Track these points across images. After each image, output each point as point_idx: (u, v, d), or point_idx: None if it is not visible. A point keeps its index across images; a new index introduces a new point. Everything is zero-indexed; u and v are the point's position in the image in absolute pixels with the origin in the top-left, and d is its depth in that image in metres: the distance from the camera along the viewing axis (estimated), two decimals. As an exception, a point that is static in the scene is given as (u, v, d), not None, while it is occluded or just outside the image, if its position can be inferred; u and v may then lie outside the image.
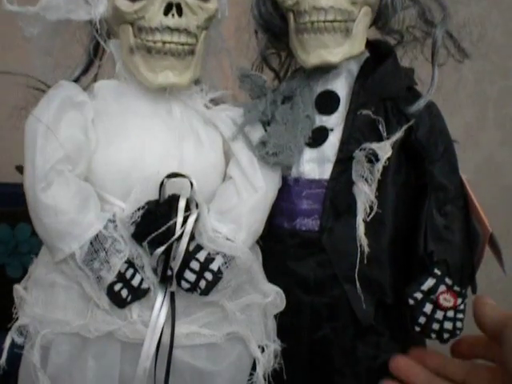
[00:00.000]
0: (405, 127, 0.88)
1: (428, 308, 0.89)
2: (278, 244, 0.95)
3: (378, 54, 0.98)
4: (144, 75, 0.88)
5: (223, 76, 1.01)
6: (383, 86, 0.93)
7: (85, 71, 0.95)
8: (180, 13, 0.87)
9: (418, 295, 0.88)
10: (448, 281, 0.89)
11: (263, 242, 0.94)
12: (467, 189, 0.93)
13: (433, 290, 0.88)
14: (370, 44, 0.98)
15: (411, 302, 0.89)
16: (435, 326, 0.89)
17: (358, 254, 0.87)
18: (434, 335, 0.90)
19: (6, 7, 0.90)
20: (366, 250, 0.86)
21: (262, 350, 0.89)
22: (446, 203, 0.91)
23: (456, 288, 0.89)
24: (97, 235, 0.83)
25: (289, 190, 0.94)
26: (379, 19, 0.96)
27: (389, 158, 0.88)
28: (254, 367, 0.89)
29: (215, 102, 0.97)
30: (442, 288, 0.89)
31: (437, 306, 0.89)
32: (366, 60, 0.97)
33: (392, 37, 0.98)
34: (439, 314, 0.89)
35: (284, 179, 0.94)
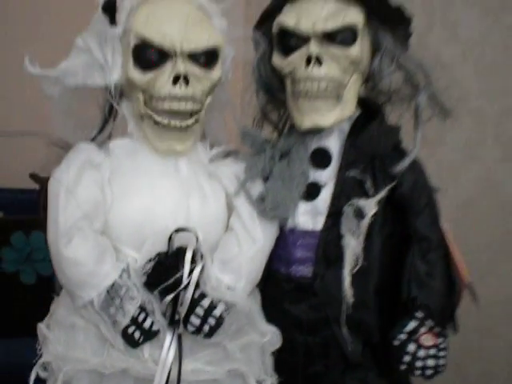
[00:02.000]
0: (388, 187, 0.99)
1: (411, 348, 1.00)
2: (275, 288, 1.06)
3: (369, 111, 1.08)
4: (151, 141, 1.00)
5: (227, 131, 1.11)
6: (371, 144, 1.04)
7: (101, 130, 1.06)
8: (187, 82, 0.97)
9: (402, 336, 1.00)
10: (429, 323, 0.99)
11: (263, 285, 1.05)
12: (448, 239, 1.03)
13: (415, 331, 0.99)
14: (361, 101, 1.08)
15: (396, 342, 1.00)
16: (418, 364, 1.00)
17: (344, 302, 0.97)
18: (418, 372, 1.00)
19: (28, 70, 1.01)
20: (351, 299, 0.97)
21: (260, 385, 1.00)
22: (428, 252, 1.02)
23: (436, 329, 1.00)
24: (113, 284, 0.95)
25: (285, 239, 1.05)
26: (368, 82, 1.06)
27: (375, 213, 0.98)
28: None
29: (220, 156, 1.08)
30: (424, 329, 0.99)
31: (419, 345, 0.99)
32: (357, 118, 1.08)
33: (381, 97, 1.08)
34: (422, 353, 1.00)
35: (281, 229, 1.05)
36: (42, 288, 2.42)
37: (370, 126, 1.05)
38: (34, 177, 2.71)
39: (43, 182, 2.82)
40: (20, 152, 2.62)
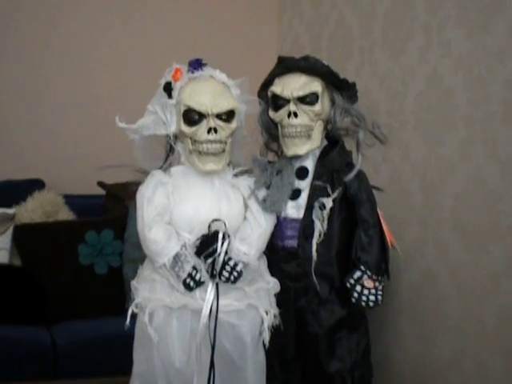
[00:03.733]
0: (338, 190, 1.60)
1: (358, 288, 1.60)
2: (275, 254, 1.67)
3: (332, 142, 1.68)
4: (197, 165, 1.61)
5: (244, 158, 1.72)
6: (332, 163, 1.64)
7: (165, 161, 1.67)
8: (216, 131, 1.59)
9: (352, 281, 1.60)
10: (369, 273, 1.60)
11: (267, 253, 1.66)
12: (382, 220, 1.63)
13: (360, 277, 1.60)
14: (327, 136, 1.69)
15: (348, 285, 1.60)
16: (364, 298, 1.60)
17: (313, 261, 1.58)
18: (364, 303, 1.60)
19: (118, 125, 1.63)
20: (315, 259, 1.57)
21: (267, 313, 1.61)
22: (368, 229, 1.62)
23: (374, 277, 1.60)
24: (177, 253, 1.57)
25: (280, 224, 1.66)
26: (329, 124, 1.67)
27: (334, 206, 1.60)
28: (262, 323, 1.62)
29: (239, 173, 1.69)
30: (365, 277, 1.60)
31: (363, 287, 1.59)
32: (325, 146, 1.68)
33: (338, 133, 1.68)
34: (365, 291, 1.60)
35: (278, 218, 1.65)
36: (113, 277, 2.84)
37: (331, 152, 1.65)
38: (101, 184, 3.22)
39: (108, 189, 3.32)
40: (89, 163, 3.16)
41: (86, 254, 2.85)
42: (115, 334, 2.55)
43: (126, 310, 1.69)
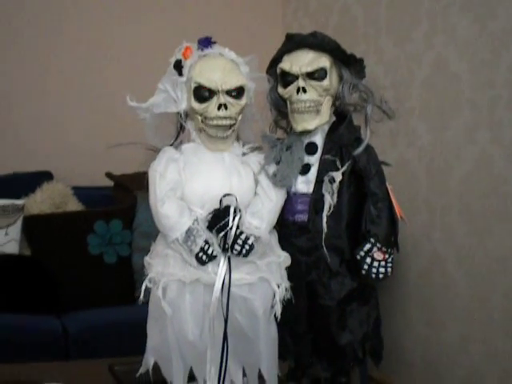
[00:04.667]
0: (347, 164, 1.62)
1: (368, 260, 1.62)
2: (286, 229, 1.69)
3: (341, 118, 1.71)
4: (207, 144, 1.64)
5: (253, 134, 1.75)
6: (341, 138, 1.66)
7: (176, 139, 1.70)
8: (226, 107, 1.61)
9: (362, 253, 1.62)
10: (378, 245, 1.62)
11: (279, 228, 1.69)
12: (390, 194, 1.65)
13: (370, 250, 1.62)
14: (335, 112, 1.71)
15: (358, 257, 1.62)
16: (373, 270, 1.62)
17: (323, 234, 1.61)
18: (374, 275, 1.62)
19: (128, 104, 1.66)
20: (325, 231, 1.60)
21: (278, 287, 1.63)
22: (377, 202, 1.64)
23: (384, 249, 1.62)
24: (189, 228, 1.59)
25: (290, 199, 1.68)
26: (338, 100, 1.69)
27: (343, 180, 1.62)
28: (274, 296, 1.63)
29: (249, 150, 1.71)
30: (375, 249, 1.62)
31: (373, 259, 1.62)
32: (333, 122, 1.71)
33: (347, 108, 1.71)
34: (375, 263, 1.62)
35: (288, 193, 1.68)
36: (122, 266, 2.95)
37: (340, 127, 1.67)
38: (109, 175, 3.27)
39: (117, 180, 3.39)
40: (98, 155, 3.21)
41: (95, 244, 2.93)
42: (125, 322, 2.62)
43: (136, 299, 1.71)
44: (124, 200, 3.09)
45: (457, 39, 2.48)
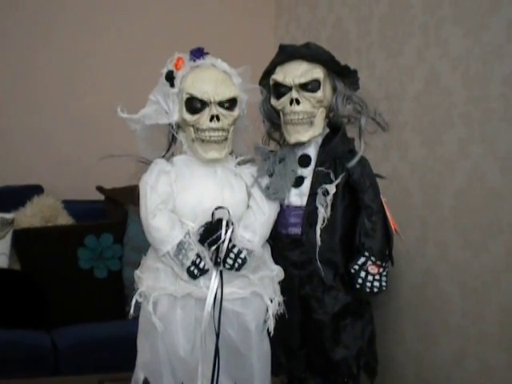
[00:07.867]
0: (341, 176, 1.59)
1: (362, 274, 1.60)
2: (279, 242, 1.66)
3: (334, 129, 1.69)
4: (200, 154, 1.62)
5: (246, 147, 1.72)
6: (334, 150, 1.64)
7: (167, 150, 1.68)
8: (218, 119, 1.59)
9: (356, 267, 1.60)
10: (373, 258, 1.59)
11: (272, 241, 1.66)
12: (385, 207, 1.63)
13: (364, 263, 1.59)
14: (329, 124, 1.70)
15: (352, 271, 1.60)
16: (368, 284, 1.60)
17: (317, 247, 1.58)
18: (368, 289, 1.60)
19: (120, 115, 1.63)
20: (319, 244, 1.57)
21: (271, 301, 1.60)
22: (371, 215, 1.62)
23: (378, 262, 1.60)
24: (180, 241, 1.56)
25: (283, 212, 1.66)
26: (331, 112, 1.68)
27: (337, 192, 1.60)
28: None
29: (241, 162, 1.69)
30: (369, 262, 1.59)
31: (367, 272, 1.59)
32: (327, 134, 1.69)
33: (340, 120, 1.69)
34: (369, 277, 1.60)
35: (281, 206, 1.65)
36: (113, 281, 2.88)
37: (334, 139, 1.65)
38: (100, 189, 3.24)
39: (107, 193, 3.36)
40: (89, 169, 3.19)
41: (85, 258, 2.87)
42: (115, 338, 2.58)
43: (126, 314, 1.69)
44: (115, 214, 3.05)
45: (449, 52, 2.47)
